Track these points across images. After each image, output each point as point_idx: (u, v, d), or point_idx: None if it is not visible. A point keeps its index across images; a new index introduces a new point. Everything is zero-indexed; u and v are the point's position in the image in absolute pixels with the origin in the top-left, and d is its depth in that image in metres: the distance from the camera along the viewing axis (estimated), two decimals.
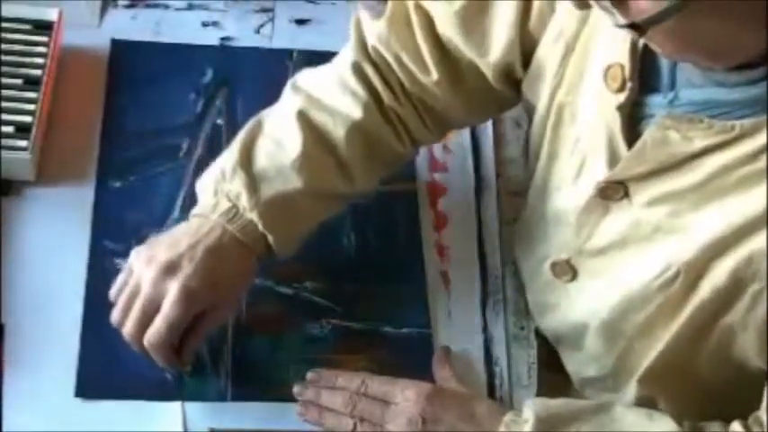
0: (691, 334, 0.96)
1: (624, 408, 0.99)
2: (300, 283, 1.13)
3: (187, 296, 1.00)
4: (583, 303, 1.04)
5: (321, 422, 1.04)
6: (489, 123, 1.26)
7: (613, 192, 0.98)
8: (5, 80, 1.16)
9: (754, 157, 0.88)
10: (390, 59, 1.09)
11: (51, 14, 1.21)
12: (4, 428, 1.00)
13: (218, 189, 1.05)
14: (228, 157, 1.06)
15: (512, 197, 1.22)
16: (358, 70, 1.09)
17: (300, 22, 1.32)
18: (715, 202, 0.91)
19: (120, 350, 1.04)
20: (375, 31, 1.09)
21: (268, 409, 1.06)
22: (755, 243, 0.90)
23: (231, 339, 1.09)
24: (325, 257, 1.14)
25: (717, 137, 0.90)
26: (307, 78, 1.11)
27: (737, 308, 0.92)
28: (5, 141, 1.12)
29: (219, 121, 1.22)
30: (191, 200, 1.11)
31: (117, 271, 1.07)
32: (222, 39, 1.29)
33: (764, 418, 0.92)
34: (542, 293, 1.10)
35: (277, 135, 1.07)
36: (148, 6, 1.30)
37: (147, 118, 1.21)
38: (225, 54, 1.28)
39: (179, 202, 1.16)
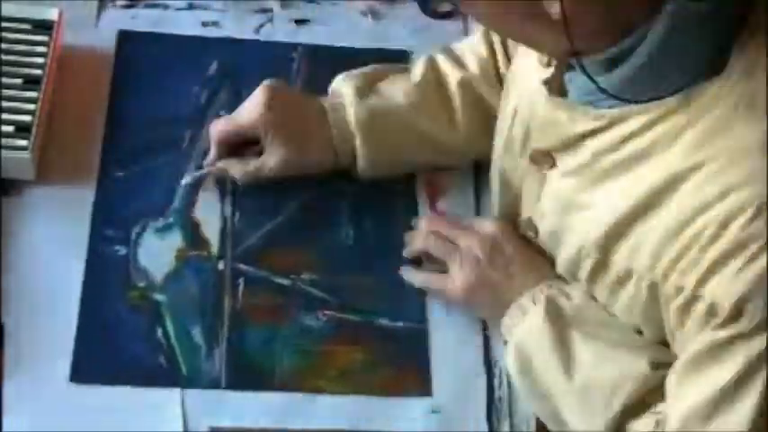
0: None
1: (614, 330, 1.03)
2: (297, 274, 1.13)
3: (260, 111, 1.13)
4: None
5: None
6: None
7: (543, 160, 1.03)
8: (6, 80, 1.16)
9: (620, 144, 0.94)
10: None
11: (51, 14, 1.21)
12: (5, 428, 1.00)
13: (338, 86, 1.17)
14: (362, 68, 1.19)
15: None
16: (485, 32, 1.20)
17: (300, 22, 1.32)
18: (605, 183, 0.96)
19: (117, 336, 1.05)
20: None
21: (268, 407, 1.06)
22: (636, 232, 0.94)
23: (227, 328, 1.09)
24: (323, 249, 1.15)
25: (593, 122, 0.95)
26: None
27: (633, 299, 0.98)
28: (5, 141, 1.12)
29: (223, 113, 1.22)
30: (191, 190, 1.15)
31: (116, 258, 1.09)
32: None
33: (669, 412, 0.95)
34: None
35: (406, 69, 1.20)
36: (148, 6, 1.30)
37: (151, 109, 1.21)
38: (230, 47, 1.28)
39: (180, 192, 1.16)
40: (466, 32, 1.31)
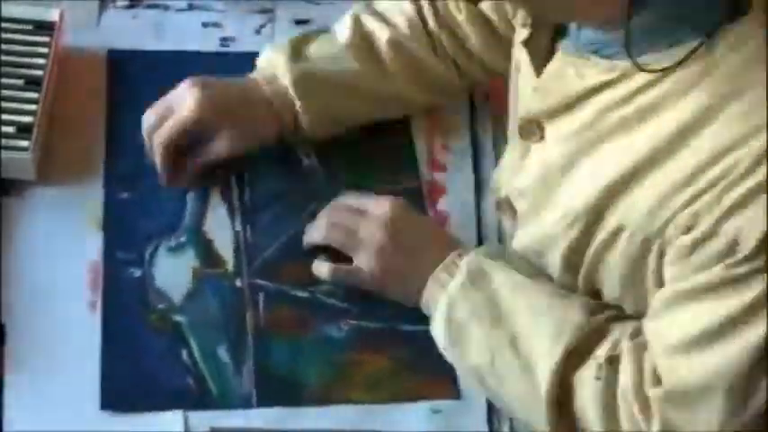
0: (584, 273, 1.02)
1: (546, 284, 1.04)
2: (315, 286, 1.13)
3: (200, 106, 1.12)
4: (520, 239, 1.08)
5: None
6: (489, 124, 1.26)
7: (531, 132, 1.02)
8: (6, 80, 1.16)
9: (627, 99, 0.93)
10: None
11: (52, 15, 1.21)
12: (5, 428, 1.00)
13: (266, 57, 1.19)
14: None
15: None
16: None
17: (301, 22, 1.32)
18: (605, 143, 0.95)
19: (142, 361, 1.05)
20: None
21: (269, 409, 1.05)
22: (636, 190, 0.93)
23: (252, 345, 1.09)
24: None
25: (602, 75, 0.95)
26: None
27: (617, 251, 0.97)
28: (6, 141, 1.12)
29: None
30: (199, 203, 1.15)
31: (132, 280, 1.09)
32: (222, 39, 1.30)
33: (652, 339, 0.96)
34: (503, 230, 1.16)
35: (331, 30, 1.21)
36: (149, 7, 1.30)
37: None
38: (222, 59, 1.28)
39: (188, 208, 1.16)
40: None
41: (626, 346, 0.97)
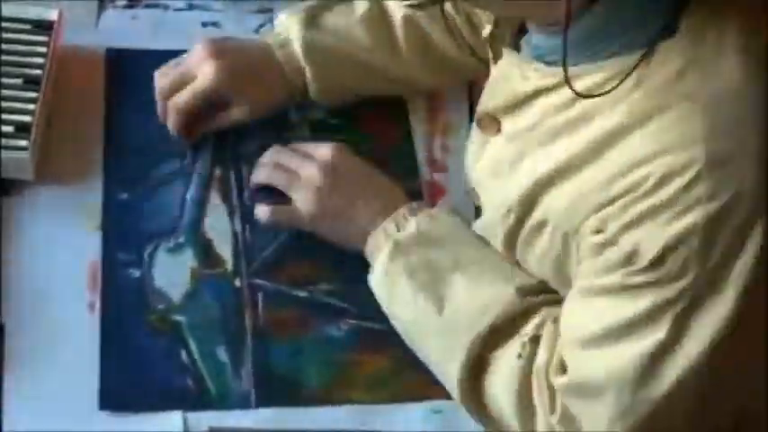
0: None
1: (484, 254, 1.06)
2: (314, 285, 1.13)
3: (219, 73, 1.15)
4: (476, 225, 1.09)
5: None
6: None
7: (489, 125, 1.04)
8: (5, 80, 1.16)
9: (570, 103, 0.94)
10: None
11: (51, 14, 1.21)
12: (5, 428, 1.00)
13: (282, 22, 1.21)
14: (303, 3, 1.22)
15: None
16: None
17: None
18: (547, 144, 0.97)
19: (141, 361, 1.05)
20: None
21: (268, 409, 1.05)
22: (563, 188, 0.95)
23: (251, 345, 1.09)
24: (337, 258, 1.14)
25: (545, 80, 0.97)
26: None
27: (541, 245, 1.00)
28: (5, 141, 1.12)
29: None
30: (198, 203, 1.15)
31: (132, 281, 1.09)
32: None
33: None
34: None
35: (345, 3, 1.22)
36: (148, 6, 1.30)
37: (148, 126, 1.20)
38: None
39: (188, 206, 1.16)
40: None
41: (548, 329, 1.00)
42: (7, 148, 1.11)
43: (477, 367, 1.02)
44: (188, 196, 1.17)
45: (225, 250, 1.14)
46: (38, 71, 1.17)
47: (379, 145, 1.23)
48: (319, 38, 1.19)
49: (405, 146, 1.25)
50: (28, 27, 1.20)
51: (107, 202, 1.15)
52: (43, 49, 1.18)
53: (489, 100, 1.04)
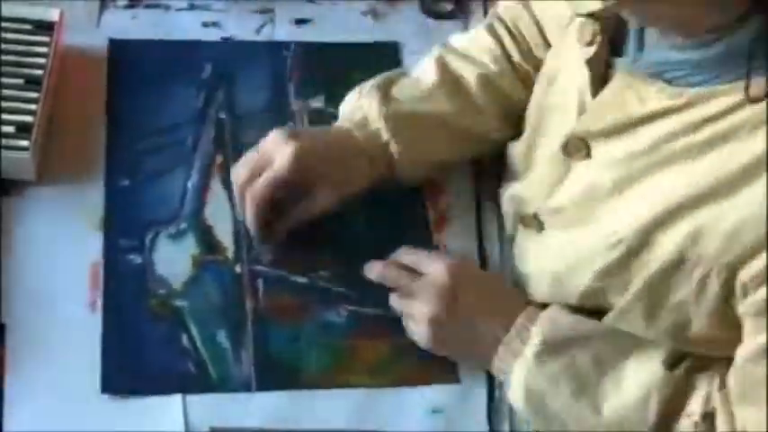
0: (641, 307, 0.98)
1: (613, 337, 1.01)
2: (314, 272, 1.13)
3: (297, 158, 1.08)
4: (544, 258, 1.07)
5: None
6: None
7: (576, 149, 1.01)
8: (6, 80, 1.16)
9: (697, 127, 0.91)
10: (517, 23, 1.20)
11: (52, 14, 1.21)
12: (5, 428, 1.00)
13: (355, 104, 1.15)
14: (368, 82, 1.17)
15: None
16: (491, 28, 1.21)
17: (301, 22, 1.32)
18: (664, 169, 0.93)
19: (142, 346, 1.06)
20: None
21: (268, 409, 1.05)
22: (699, 219, 0.91)
23: (252, 330, 1.09)
24: (337, 245, 1.15)
25: (667, 101, 0.93)
26: (451, 37, 1.22)
27: (686, 289, 0.93)
28: (6, 141, 1.12)
29: (222, 115, 1.22)
30: (200, 190, 1.16)
31: (132, 267, 1.10)
32: (222, 39, 1.29)
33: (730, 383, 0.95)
34: (518, 245, 1.13)
35: (415, 74, 1.19)
36: (148, 6, 1.30)
37: (150, 115, 1.21)
38: (222, 49, 1.28)
39: (188, 196, 1.17)
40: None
41: (718, 400, 0.96)
42: (8, 148, 1.12)
43: None
44: (189, 183, 1.17)
45: (226, 237, 1.15)
46: (39, 71, 1.17)
47: None
48: (398, 108, 1.14)
49: None
50: (29, 27, 1.20)
51: (109, 188, 1.16)
52: (44, 50, 1.19)
53: (587, 123, 1.00)
